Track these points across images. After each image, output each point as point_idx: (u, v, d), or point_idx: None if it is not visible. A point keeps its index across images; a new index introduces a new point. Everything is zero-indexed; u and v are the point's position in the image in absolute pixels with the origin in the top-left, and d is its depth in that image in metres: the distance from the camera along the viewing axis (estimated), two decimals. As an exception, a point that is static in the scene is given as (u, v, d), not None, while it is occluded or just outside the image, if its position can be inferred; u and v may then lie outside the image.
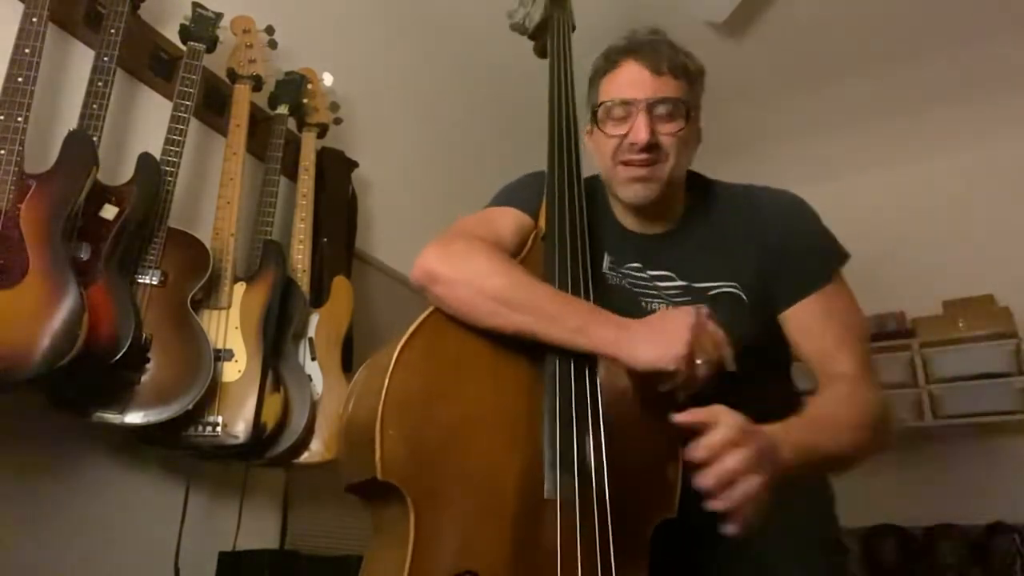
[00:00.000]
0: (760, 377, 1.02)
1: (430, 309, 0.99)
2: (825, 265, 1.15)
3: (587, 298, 1.02)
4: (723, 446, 0.81)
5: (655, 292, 1.17)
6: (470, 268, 1.01)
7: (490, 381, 0.96)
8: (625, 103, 1.12)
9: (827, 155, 3.22)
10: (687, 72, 1.14)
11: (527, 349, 0.98)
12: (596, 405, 0.96)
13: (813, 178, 3.27)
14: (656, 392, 0.94)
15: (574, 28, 1.32)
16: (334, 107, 2.12)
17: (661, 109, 1.11)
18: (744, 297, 1.13)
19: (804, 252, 1.14)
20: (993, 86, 2.86)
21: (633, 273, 1.19)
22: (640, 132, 1.09)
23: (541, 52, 1.34)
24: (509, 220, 1.18)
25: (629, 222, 1.21)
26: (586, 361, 0.98)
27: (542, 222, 1.10)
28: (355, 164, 2.24)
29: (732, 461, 0.80)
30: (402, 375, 0.90)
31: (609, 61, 1.17)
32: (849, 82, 2.92)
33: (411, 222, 2.68)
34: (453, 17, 2.68)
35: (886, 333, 2.91)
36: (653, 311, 1.15)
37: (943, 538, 2.69)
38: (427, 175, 2.88)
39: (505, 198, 1.23)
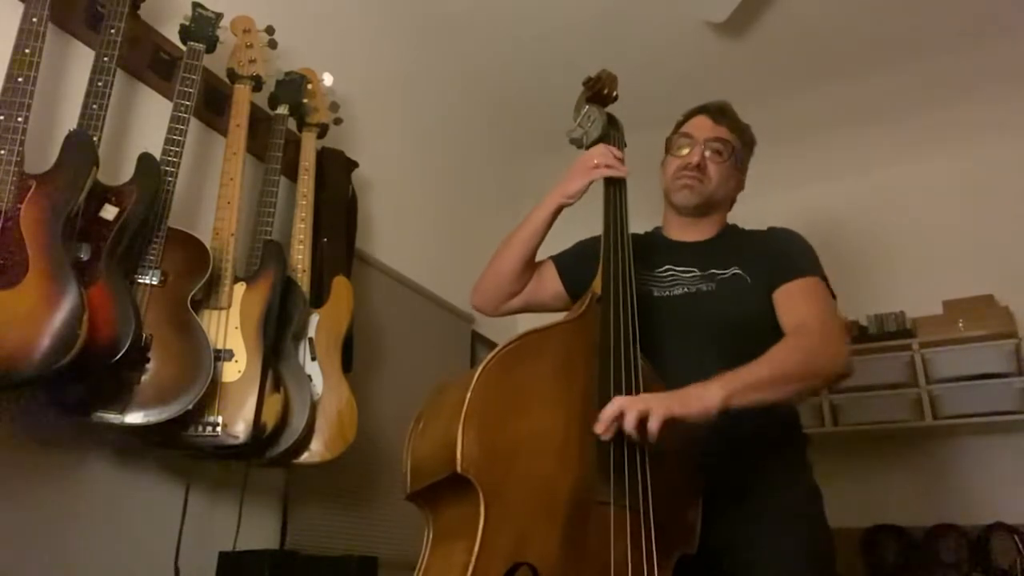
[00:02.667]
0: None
1: (503, 345, 1.16)
2: (813, 264, 1.45)
3: (633, 347, 1.24)
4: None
5: (679, 279, 1.48)
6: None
7: (550, 407, 1.15)
8: (688, 136, 1.53)
9: (828, 155, 3.21)
10: (741, 132, 1.55)
11: (580, 384, 1.18)
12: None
13: (814, 178, 3.28)
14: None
15: (625, 145, 1.55)
16: (334, 107, 2.12)
17: (714, 146, 1.50)
18: (747, 278, 1.43)
19: (797, 253, 1.47)
20: (994, 86, 2.86)
21: (662, 273, 1.50)
22: (694, 157, 1.50)
23: None
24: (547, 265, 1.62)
25: (675, 234, 1.57)
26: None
27: (597, 286, 1.31)
28: (355, 164, 2.24)
29: (609, 409, 1.11)
30: (482, 392, 1.09)
31: (685, 116, 1.59)
32: (849, 82, 2.91)
33: (411, 222, 2.68)
34: (453, 17, 2.67)
35: (886, 333, 2.90)
36: (675, 294, 1.46)
37: (943, 538, 2.68)
38: (427, 175, 2.88)
39: (562, 252, 1.63)
